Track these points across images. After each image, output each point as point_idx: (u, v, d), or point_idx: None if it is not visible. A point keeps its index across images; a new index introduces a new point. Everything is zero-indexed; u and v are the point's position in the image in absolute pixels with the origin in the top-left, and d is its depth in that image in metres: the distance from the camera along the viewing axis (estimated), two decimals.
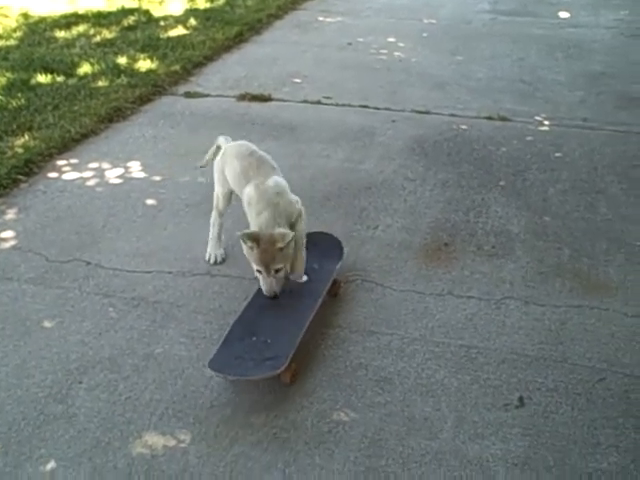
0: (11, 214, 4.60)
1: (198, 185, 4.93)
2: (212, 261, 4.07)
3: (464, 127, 5.92)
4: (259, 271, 3.40)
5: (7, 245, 4.25)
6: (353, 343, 3.44)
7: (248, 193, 3.56)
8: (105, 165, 5.23)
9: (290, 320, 3.41)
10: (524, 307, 3.71)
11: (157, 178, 5.04)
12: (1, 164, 5.06)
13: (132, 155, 5.39)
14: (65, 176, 5.09)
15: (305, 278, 3.68)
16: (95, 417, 3.03)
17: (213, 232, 4.11)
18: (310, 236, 3.89)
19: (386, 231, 4.37)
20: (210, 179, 5.00)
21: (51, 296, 3.80)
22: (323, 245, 3.95)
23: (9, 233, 4.37)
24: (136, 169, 5.18)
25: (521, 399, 3.11)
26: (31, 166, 5.14)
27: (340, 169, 5.18)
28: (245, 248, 3.41)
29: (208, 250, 4.10)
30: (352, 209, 4.62)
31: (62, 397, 3.13)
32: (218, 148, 4.09)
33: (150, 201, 4.74)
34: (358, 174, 5.10)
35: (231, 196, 3.96)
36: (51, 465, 2.80)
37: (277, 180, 3.62)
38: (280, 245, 3.29)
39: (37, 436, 2.93)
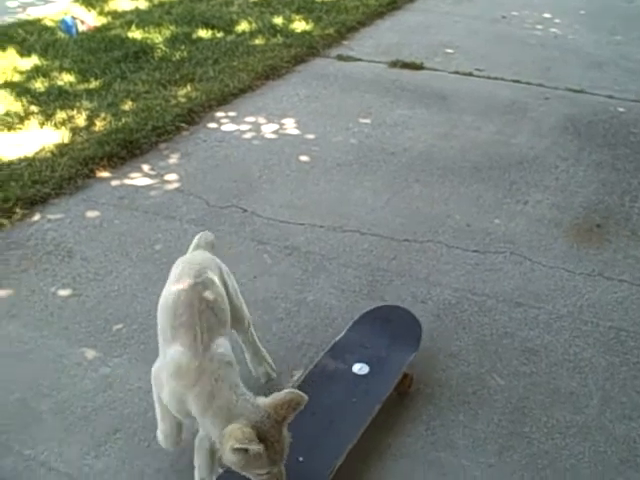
0: (174, 159, 4.88)
1: (350, 145, 5.05)
2: None
3: (621, 109, 5.74)
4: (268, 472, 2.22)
5: (171, 187, 4.53)
6: (500, 312, 3.48)
7: (174, 363, 2.31)
8: (261, 120, 5.44)
9: (335, 431, 2.65)
10: None
11: (310, 136, 5.19)
12: (166, 111, 5.35)
13: (286, 112, 5.57)
14: (223, 127, 5.34)
15: (366, 370, 2.92)
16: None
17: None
18: (382, 310, 3.27)
19: (536, 207, 4.34)
20: (361, 140, 5.16)
21: None
22: (395, 324, 3.18)
23: (173, 176, 4.64)
24: (290, 126, 5.35)
25: None
26: (193, 115, 5.42)
27: (491, 142, 5.16)
28: (241, 460, 2.14)
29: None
30: (502, 182, 4.61)
31: None
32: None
33: (303, 157, 4.90)
34: (509, 148, 5.07)
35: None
36: None
37: (226, 348, 2.38)
38: (290, 416, 2.21)
39: None
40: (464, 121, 5.47)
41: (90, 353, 3.23)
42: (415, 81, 6.23)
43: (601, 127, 5.42)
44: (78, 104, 5.47)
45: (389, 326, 3.16)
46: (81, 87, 5.81)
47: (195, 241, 2.85)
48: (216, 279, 2.57)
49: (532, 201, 4.40)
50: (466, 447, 2.77)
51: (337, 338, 3.10)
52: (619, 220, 4.22)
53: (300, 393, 2.24)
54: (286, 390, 2.27)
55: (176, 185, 4.55)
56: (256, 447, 2.08)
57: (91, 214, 4.24)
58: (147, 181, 4.58)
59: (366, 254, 3.90)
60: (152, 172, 4.70)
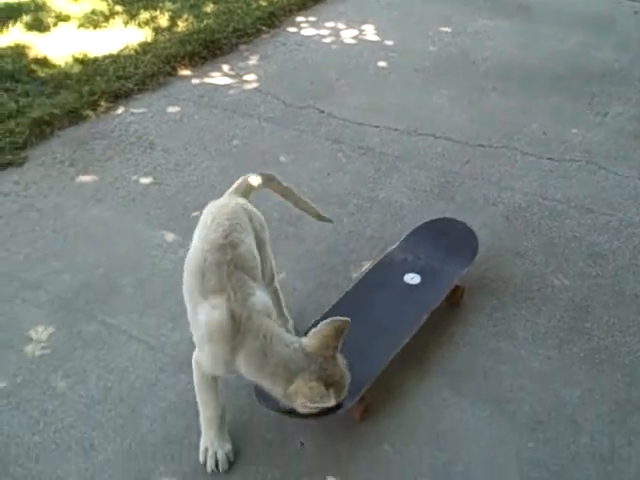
0: (254, 60, 4.97)
1: (429, 53, 5.03)
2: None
3: None
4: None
5: (249, 87, 4.63)
6: (570, 217, 3.49)
7: (214, 327, 2.21)
8: (340, 25, 5.45)
9: (380, 339, 2.65)
10: None
11: (389, 42, 5.19)
12: (247, 14, 5.41)
13: (366, 19, 5.56)
14: (303, 32, 5.39)
15: (418, 280, 2.95)
16: (321, 242, 3.34)
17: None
18: (439, 223, 3.24)
19: (616, 119, 4.27)
20: (440, 48, 5.12)
21: (287, 136, 4.12)
22: (452, 237, 3.14)
23: (252, 76, 4.74)
24: (369, 32, 5.35)
25: None
26: (273, 19, 5.48)
27: (574, 53, 5.05)
28: (313, 410, 2.22)
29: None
30: (582, 94, 4.53)
31: (294, 221, 3.45)
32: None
33: (381, 63, 4.91)
34: (592, 60, 4.95)
35: None
36: (282, 275, 3.13)
37: (262, 302, 2.30)
38: (340, 343, 2.27)
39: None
40: (547, 32, 5.35)
41: (169, 236, 3.40)
42: None
43: None
44: (161, 5, 5.58)
45: (445, 239, 3.12)
46: None
47: (235, 185, 2.76)
48: (244, 235, 2.42)
49: (612, 113, 4.32)
50: (526, 339, 2.84)
51: (390, 248, 3.12)
52: None
53: (341, 319, 2.25)
54: (325, 322, 2.27)
55: (255, 85, 4.64)
56: (329, 402, 2.15)
57: (172, 109, 4.38)
58: (226, 80, 4.69)
59: (439, 157, 3.93)
60: (232, 72, 4.80)
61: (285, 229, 3.41)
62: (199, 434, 2.42)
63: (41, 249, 3.35)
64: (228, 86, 4.62)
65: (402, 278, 2.95)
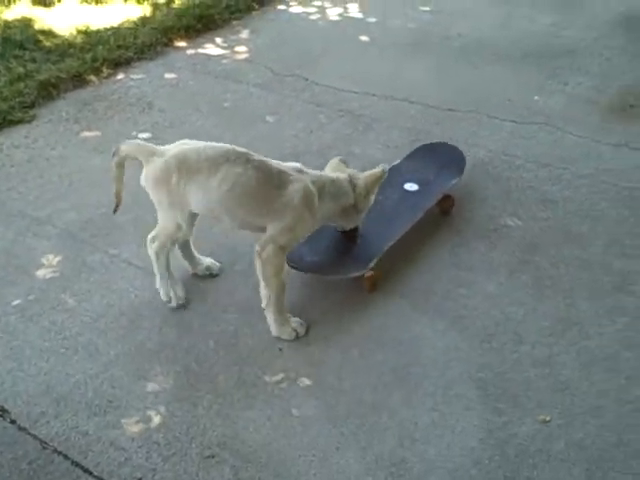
0: (245, 34, 5.36)
1: (408, 30, 5.43)
2: (174, 304, 3.03)
3: None
4: None
5: (240, 57, 5.02)
6: (527, 170, 3.86)
7: (304, 190, 2.78)
8: (327, 4, 5.88)
9: (384, 228, 3.26)
10: None
11: (371, 20, 5.61)
12: None
13: None
14: (291, 9, 5.82)
15: (415, 188, 3.51)
16: None
17: (159, 266, 3.00)
18: (432, 146, 3.84)
19: (575, 88, 4.65)
20: (419, 25, 5.45)
21: (273, 99, 4.50)
22: (445, 156, 3.75)
23: (243, 48, 5.13)
24: (353, 10, 5.78)
25: None
26: None
27: (544, 33, 5.43)
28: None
29: (162, 292, 3.05)
30: (548, 67, 4.91)
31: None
32: (120, 164, 3.01)
33: (363, 37, 5.31)
34: (560, 39, 5.33)
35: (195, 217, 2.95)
36: None
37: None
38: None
39: None
40: (519, 12, 5.75)
41: None
42: None
43: None
44: None
45: (439, 157, 3.73)
46: None
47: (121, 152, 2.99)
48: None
49: (573, 83, 4.70)
50: (482, 269, 3.22)
51: (394, 163, 3.62)
52: None
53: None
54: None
55: (245, 56, 5.02)
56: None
57: (168, 76, 4.76)
58: (219, 51, 5.08)
59: (412, 119, 4.31)
60: (224, 44, 5.18)
61: None
62: (190, 342, 2.81)
63: (49, 192, 3.71)
64: (221, 56, 5.00)
65: (403, 186, 3.52)
